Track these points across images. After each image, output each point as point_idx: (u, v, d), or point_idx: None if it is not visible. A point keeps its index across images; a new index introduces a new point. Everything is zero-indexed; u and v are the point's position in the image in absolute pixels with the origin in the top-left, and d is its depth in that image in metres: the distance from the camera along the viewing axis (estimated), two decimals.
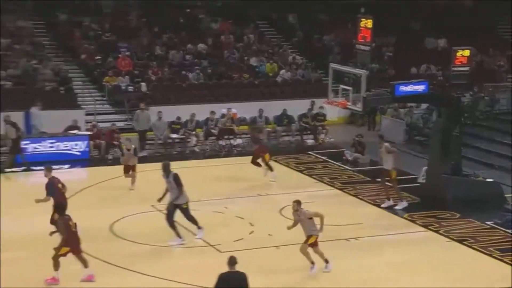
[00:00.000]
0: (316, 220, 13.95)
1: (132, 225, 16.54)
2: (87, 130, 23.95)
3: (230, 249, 14.50)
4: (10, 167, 21.27)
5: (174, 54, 30.17)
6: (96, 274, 13.47)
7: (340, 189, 19.97)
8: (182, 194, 15.32)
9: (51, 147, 22.45)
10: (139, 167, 19.87)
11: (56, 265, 13.07)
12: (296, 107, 27.06)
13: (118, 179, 19.73)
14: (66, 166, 21.76)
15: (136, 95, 27.21)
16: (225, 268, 10.54)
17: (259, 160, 20.68)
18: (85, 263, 13.34)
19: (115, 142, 23.20)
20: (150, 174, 19.16)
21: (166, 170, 15.35)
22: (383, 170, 18.51)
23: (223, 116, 25.65)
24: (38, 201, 15.05)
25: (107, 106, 27.38)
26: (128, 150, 19.59)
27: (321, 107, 26.19)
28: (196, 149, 24.76)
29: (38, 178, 19.94)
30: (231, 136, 25.31)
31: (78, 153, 22.69)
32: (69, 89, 27.08)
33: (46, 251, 13.37)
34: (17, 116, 23.88)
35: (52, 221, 14.97)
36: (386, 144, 18.52)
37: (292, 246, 14.53)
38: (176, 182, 15.21)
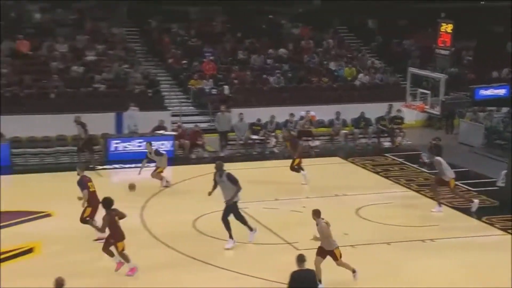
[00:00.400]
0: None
1: (213, 222, 16.63)
2: (173, 130, 24.34)
3: (307, 247, 14.36)
4: (100, 165, 21.85)
5: (256, 59, 30.28)
6: (181, 269, 13.58)
7: (417, 191, 19.52)
8: (234, 194, 14.87)
9: (139, 146, 22.88)
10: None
11: (126, 258, 13.08)
12: (374, 110, 26.69)
13: (201, 177, 19.90)
14: (153, 164, 22.11)
15: (219, 97, 27.48)
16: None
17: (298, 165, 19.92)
18: (126, 259, 13.18)
19: (199, 142, 23.53)
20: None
21: (220, 170, 15.01)
22: (439, 178, 17.89)
23: (302, 118, 25.58)
24: (80, 198, 15.01)
25: (192, 108, 27.73)
26: (150, 153, 19.59)
27: (399, 110, 25.78)
28: (276, 150, 24.75)
29: (126, 176, 20.53)
30: (309, 138, 25.19)
31: (164, 152, 23.02)
32: (157, 92, 27.59)
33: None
34: (109, 117, 24.65)
35: (82, 220, 14.97)
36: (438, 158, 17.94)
37: (368, 245, 14.29)
38: (231, 180, 14.82)
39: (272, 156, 24.16)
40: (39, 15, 30.06)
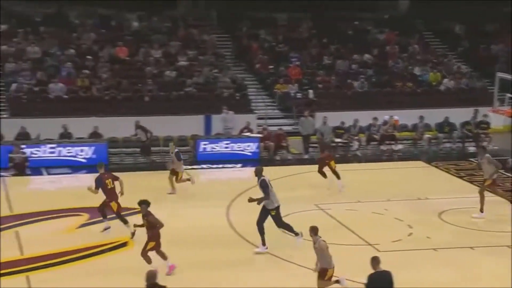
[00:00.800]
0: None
1: (294, 222, 16.41)
2: (258, 132, 24.36)
3: (388, 248, 14.01)
4: (189, 165, 22.06)
5: (341, 64, 29.90)
6: (262, 266, 13.48)
7: (502, 197, 18.59)
8: (270, 200, 14.11)
9: (226, 147, 23.02)
10: (305, 168, 19.70)
11: (148, 260, 12.59)
12: (458, 115, 25.72)
13: (285, 179, 19.74)
14: (239, 165, 22.23)
15: (303, 101, 27.29)
16: (383, 267, 10.08)
17: (325, 169, 19.00)
18: (164, 256, 12.89)
19: (283, 144, 23.43)
20: (314, 176, 19.05)
21: (258, 175, 14.23)
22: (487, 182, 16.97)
23: (385, 122, 25.01)
24: (89, 189, 15.12)
25: (277, 111, 27.68)
26: (171, 153, 18.53)
27: (485, 115, 24.85)
28: (358, 153, 24.32)
29: (212, 175, 20.60)
30: (392, 142, 24.60)
31: (249, 154, 23.08)
32: (244, 95, 27.70)
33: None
34: (199, 119, 24.92)
35: (100, 211, 15.14)
36: (487, 155, 17.10)
37: (451, 249, 13.72)
38: (262, 187, 14.02)
39: (355, 159, 23.76)
40: (136, 23, 30.83)
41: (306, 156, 23.24)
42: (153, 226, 12.59)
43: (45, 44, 27.83)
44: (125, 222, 14.97)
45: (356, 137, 24.62)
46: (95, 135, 23.14)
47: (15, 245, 14.27)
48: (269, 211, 14.02)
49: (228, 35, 31.74)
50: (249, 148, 22.91)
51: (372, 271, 10.07)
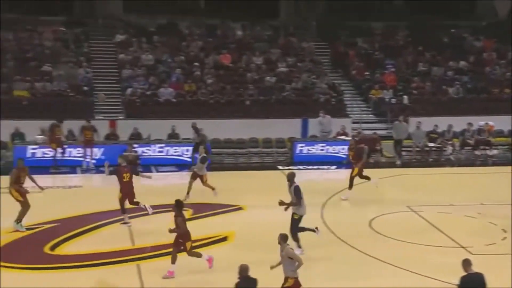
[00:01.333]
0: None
1: (389, 223, 16.04)
2: (353, 136, 23.96)
3: (481, 252, 13.38)
4: (287, 165, 22.03)
5: (437, 70, 28.97)
6: (355, 265, 13.26)
7: None
8: (301, 206, 13.53)
9: (321, 149, 22.83)
10: (398, 171, 19.19)
11: (197, 255, 12.54)
12: None
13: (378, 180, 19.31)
14: (333, 167, 21.98)
15: (398, 107, 26.64)
16: (477, 269, 9.65)
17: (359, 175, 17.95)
18: (198, 254, 12.61)
19: (377, 148, 22.95)
20: (407, 179, 18.54)
21: (290, 180, 13.60)
22: None
23: (480, 128, 23.97)
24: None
25: (372, 116, 27.21)
26: (200, 154, 17.70)
27: None
28: (452, 157, 23.46)
29: (308, 176, 20.44)
30: (487, 147, 23.51)
31: (344, 156, 22.71)
32: (340, 100, 27.40)
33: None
34: (296, 123, 24.87)
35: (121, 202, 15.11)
36: None
37: None
38: (295, 193, 13.47)
39: (448, 163, 22.94)
40: (240, 32, 31.22)
41: (399, 161, 22.65)
42: (177, 227, 12.35)
43: (158, 52, 28.70)
44: (124, 212, 15.14)
45: (450, 142, 23.74)
46: None
47: (127, 236, 14.76)
48: (293, 214, 13.51)
49: (326, 43, 31.50)
50: (344, 150, 22.54)
51: (464, 273, 9.64)
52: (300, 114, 25.45)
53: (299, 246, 13.47)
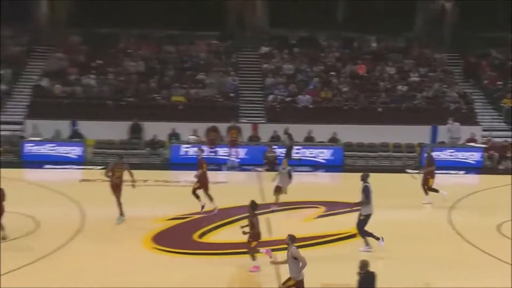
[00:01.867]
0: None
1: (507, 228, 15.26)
2: (483, 143, 23.06)
3: None
4: (415, 169, 21.62)
5: None
6: (475, 265, 12.88)
7: None
8: (367, 206, 13.30)
9: (450, 155, 22.21)
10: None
11: (254, 256, 12.36)
12: None
13: (505, 186, 18.41)
14: (462, 172, 21.33)
15: None
16: None
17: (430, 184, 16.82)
18: (254, 257, 12.38)
19: (507, 155, 21.88)
20: None
21: (363, 180, 13.44)
22: None
23: None
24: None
25: (503, 124, 25.97)
26: (283, 168, 16.94)
27: None
28: None
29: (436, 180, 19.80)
30: None
31: (473, 162, 22.04)
32: (470, 108, 26.39)
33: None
34: (426, 129, 24.25)
35: (194, 193, 15.59)
36: None
37: None
38: (363, 192, 13.28)
39: None
40: (375, 44, 31.02)
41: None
42: (252, 227, 12.39)
43: (297, 62, 29.32)
44: (197, 197, 15.73)
45: None
46: (333, 140, 23.90)
47: (265, 228, 15.34)
48: (360, 214, 13.36)
49: (458, 54, 30.40)
50: (473, 157, 21.83)
51: None
52: (430, 121, 24.89)
53: (367, 244, 13.35)
